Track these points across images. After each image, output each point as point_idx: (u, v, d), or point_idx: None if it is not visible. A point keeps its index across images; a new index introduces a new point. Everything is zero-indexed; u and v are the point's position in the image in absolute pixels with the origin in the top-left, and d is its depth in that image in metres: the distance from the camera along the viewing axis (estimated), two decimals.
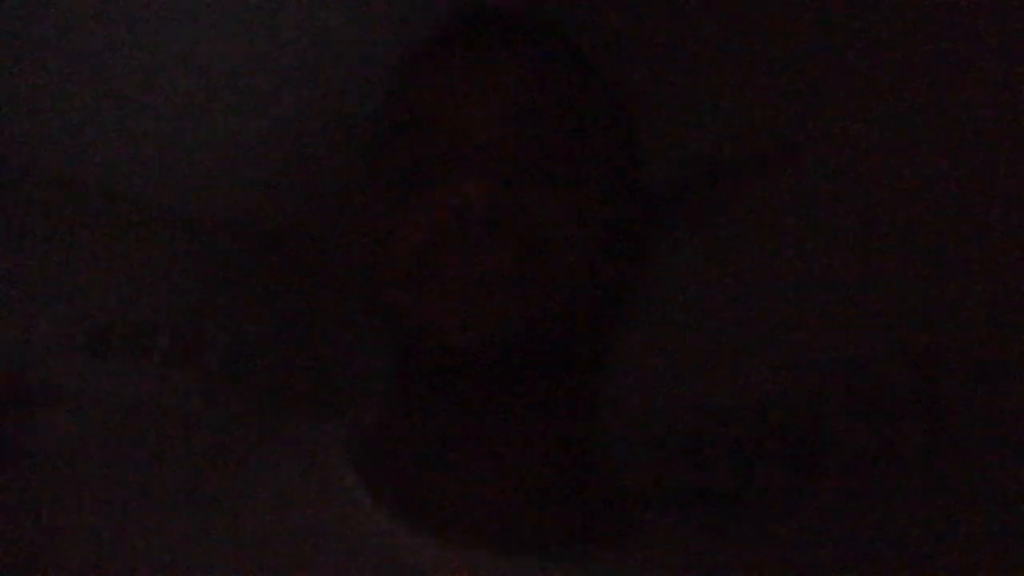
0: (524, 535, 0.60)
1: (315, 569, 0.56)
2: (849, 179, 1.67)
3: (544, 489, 0.61)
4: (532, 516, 0.60)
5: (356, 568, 0.57)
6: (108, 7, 2.13)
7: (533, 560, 0.59)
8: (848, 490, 1.48)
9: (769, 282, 1.73)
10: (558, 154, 0.61)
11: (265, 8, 2.11)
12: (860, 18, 1.72)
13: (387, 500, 0.60)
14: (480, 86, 0.61)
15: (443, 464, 0.61)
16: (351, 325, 2.70)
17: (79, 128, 2.50)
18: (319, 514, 0.59)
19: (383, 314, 0.62)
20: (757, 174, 1.77)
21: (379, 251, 0.62)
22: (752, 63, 1.87)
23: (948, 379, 1.38)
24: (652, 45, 2.01)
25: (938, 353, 1.41)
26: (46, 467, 0.60)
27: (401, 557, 0.58)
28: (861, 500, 1.44)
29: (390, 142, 0.63)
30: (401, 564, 0.57)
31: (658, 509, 0.65)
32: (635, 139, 0.68)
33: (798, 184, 1.74)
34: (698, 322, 1.80)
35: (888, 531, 1.40)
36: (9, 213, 2.57)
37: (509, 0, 0.66)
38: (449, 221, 0.59)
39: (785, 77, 1.80)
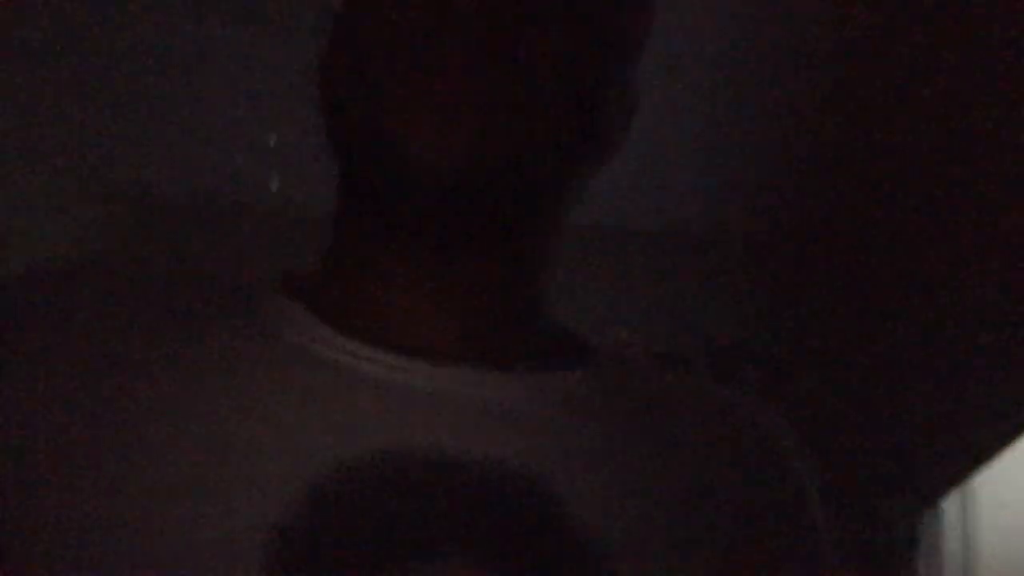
0: (478, 350, 0.56)
1: (277, 401, 0.52)
2: None
3: (497, 312, 0.58)
4: (486, 335, 0.57)
5: (319, 393, 0.53)
6: None
7: (486, 372, 0.55)
8: None
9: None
10: None
11: None
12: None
13: (336, 323, 0.55)
14: None
15: (391, 288, 0.56)
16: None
17: None
18: (269, 354, 0.54)
19: (332, 120, 0.56)
20: None
21: (337, 30, 0.56)
22: None
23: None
24: None
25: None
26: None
27: (358, 372, 0.53)
28: None
29: None
30: (357, 378, 0.53)
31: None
32: None
33: None
34: None
35: None
36: None
37: None
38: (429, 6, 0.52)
39: None
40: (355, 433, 0.51)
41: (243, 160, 2.45)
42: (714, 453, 0.58)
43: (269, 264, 0.64)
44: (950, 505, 2.41)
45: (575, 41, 0.55)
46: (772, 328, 2.47)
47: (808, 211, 2.33)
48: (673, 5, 1.78)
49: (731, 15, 1.86)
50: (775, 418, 0.61)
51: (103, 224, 2.59)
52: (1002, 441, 2.08)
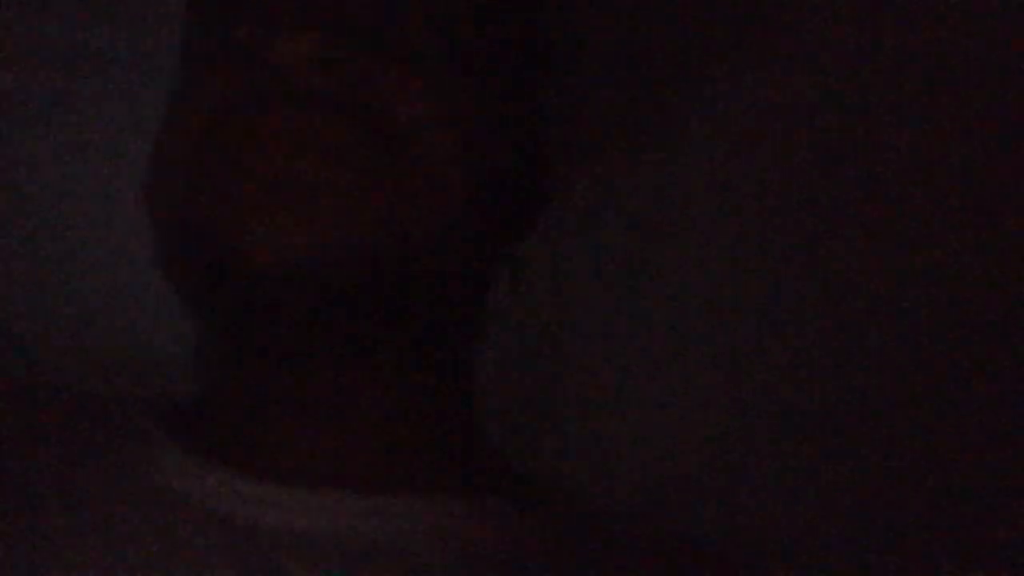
0: (373, 479, 0.48)
1: (157, 544, 0.45)
2: None
3: (400, 432, 0.49)
4: (383, 463, 0.48)
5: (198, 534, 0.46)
6: None
7: (379, 499, 0.47)
8: None
9: None
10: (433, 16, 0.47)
11: None
12: None
13: (214, 461, 0.48)
14: None
15: (273, 417, 0.48)
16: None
17: None
18: (146, 496, 0.47)
19: (166, 224, 0.47)
20: None
21: (163, 134, 0.47)
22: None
23: None
24: None
25: None
26: None
27: (238, 510, 0.46)
28: None
29: None
30: (239, 517, 0.46)
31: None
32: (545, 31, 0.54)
33: None
34: None
35: None
36: None
37: None
38: (256, 87, 0.44)
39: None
40: None
41: None
42: None
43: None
44: None
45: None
46: None
47: None
48: None
49: None
50: None
51: None
52: None
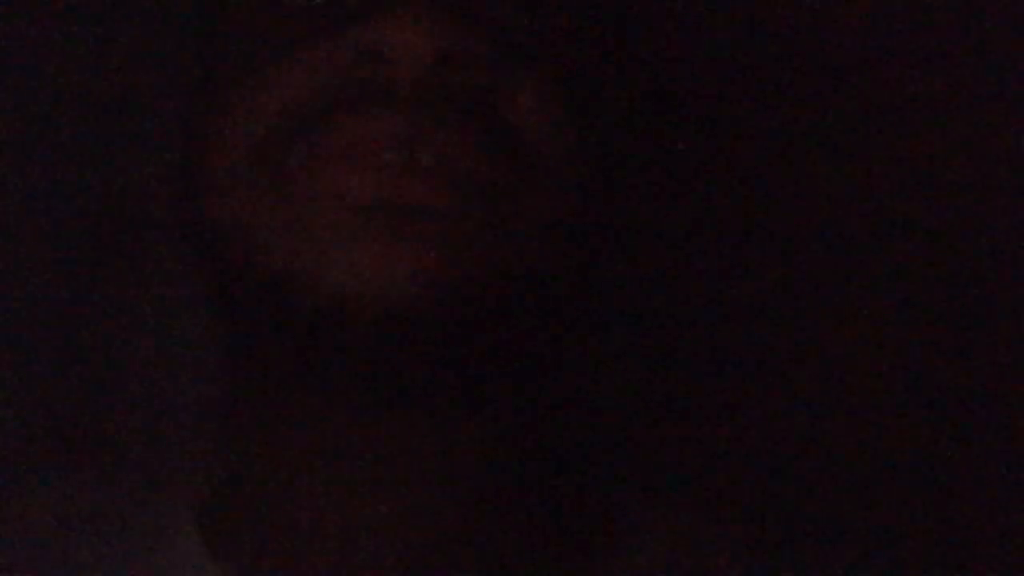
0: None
1: None
2: None
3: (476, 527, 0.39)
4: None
5: None
6: None
7: None
8: None
9: None
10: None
11: None
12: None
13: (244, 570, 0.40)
14: None
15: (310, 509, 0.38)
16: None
17: None
18: None
19: (205, 257, 0.38)
20: None
21: (207, 135, 0.38)
22: None
23: None
24: None
25: None
26: None
27: None
28: None
29: None
30: None
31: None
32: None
33: None
34: None
35: None
36: None
37: None
38: (346, 89, 0.36)
39: None
40: None
41: None
42: None
43: None
44: None
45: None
46: None
47: None
48: None
49: None
50: None
51: None
52: None
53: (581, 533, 0.42)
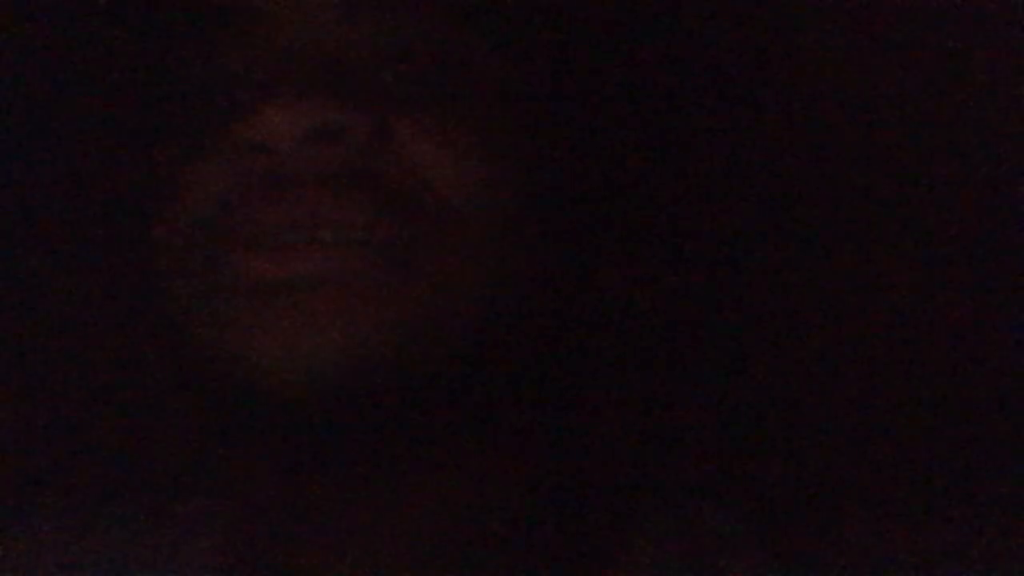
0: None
1: None
2: None
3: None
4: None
5: None
6: None
7: None
8: None
9: None
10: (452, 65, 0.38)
11: None
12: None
13: None
14: None
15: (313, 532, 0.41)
16: None
17: None
18: None
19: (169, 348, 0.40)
20: None
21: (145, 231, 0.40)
22: None
23: None
24: None
25: None
26: None
27: None
28: None
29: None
30: None
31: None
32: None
33: None
34: None
35: None
36: None
37: None
38: (251, 172, 0.37)
39: None
40: None
41: None
42: None
43: None
44: None
45: None
46: None
47: None
48: None
49: None
50: None
51: None
52: None
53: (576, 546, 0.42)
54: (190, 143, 0.38)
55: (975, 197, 0.92)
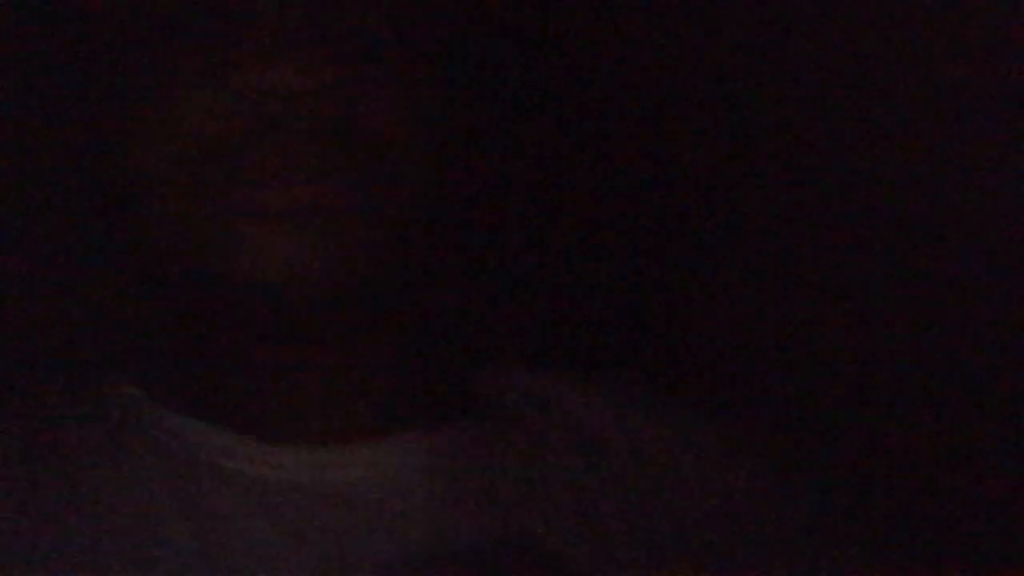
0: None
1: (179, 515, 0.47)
2: None
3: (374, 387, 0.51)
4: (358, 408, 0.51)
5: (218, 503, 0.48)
6: None
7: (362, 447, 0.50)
8: None
9: None
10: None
11: None
12: None
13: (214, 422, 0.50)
14: None
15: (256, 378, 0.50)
16: None
17: None
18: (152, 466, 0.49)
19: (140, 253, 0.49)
20: None
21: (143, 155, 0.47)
22: None
23: None
24: None
25: None
26: None
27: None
28: None
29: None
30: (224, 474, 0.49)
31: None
32: None
33: None
34: None
35: None
36: None
37: None
38: (242, 117, 0.45)
39: None
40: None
41: None
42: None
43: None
44: None
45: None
46: None
47: None
48: None
49: None
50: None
51: None
52: None
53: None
54: (206, 88, 0.46)
55: (975, 197, 0.92)
